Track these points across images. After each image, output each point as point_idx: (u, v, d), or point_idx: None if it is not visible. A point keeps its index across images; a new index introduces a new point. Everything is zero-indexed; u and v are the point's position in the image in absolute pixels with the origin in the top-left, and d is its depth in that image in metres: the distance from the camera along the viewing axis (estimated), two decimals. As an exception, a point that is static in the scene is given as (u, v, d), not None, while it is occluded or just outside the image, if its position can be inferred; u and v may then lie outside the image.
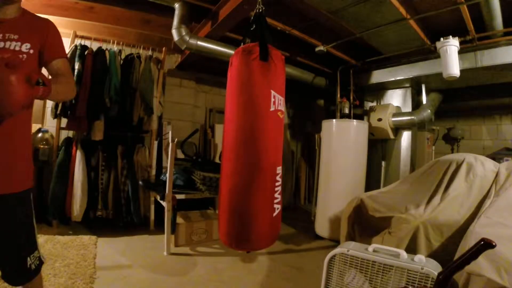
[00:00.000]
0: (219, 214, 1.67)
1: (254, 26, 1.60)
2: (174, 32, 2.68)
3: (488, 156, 2.60)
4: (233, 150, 1.54)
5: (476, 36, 2.62)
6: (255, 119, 1.50)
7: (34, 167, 3.07)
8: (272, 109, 1.51)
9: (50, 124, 3.00)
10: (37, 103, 2.99)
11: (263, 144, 1.51)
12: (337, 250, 1.42)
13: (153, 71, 3.23)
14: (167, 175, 2.58)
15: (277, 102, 1.53)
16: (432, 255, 1.66)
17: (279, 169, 1.60)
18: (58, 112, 2.80)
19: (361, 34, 2.77)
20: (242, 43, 1.61)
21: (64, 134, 3.03)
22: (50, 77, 1.14)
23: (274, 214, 1.58)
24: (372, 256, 1.33)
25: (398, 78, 3.48)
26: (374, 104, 3.95)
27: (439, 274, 0.86)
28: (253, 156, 1.50)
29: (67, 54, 1.20)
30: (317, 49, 3.21)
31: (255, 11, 1.64)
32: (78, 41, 3.01)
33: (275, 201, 1.58)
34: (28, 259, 1.08)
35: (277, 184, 1.58)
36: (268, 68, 1.50)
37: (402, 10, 2.34)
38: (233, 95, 1.54)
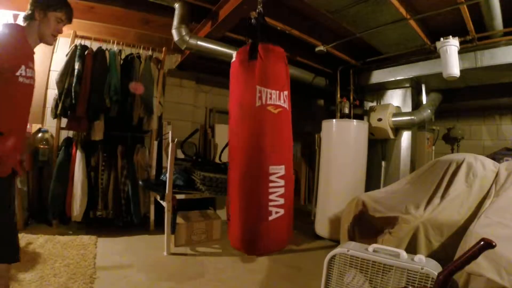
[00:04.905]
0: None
1: (251, 26, 1.61)
2: (174, 32, 2.68)
3: (488, 156, 2.59)
4: (229, 150, 1.55)
5: (476, 36, 2.62)
6: (240, 116, 1.49)
7: (34, 167, 3.05)
8: (258, 104, 1.45)
9: (50, 124, 3.00)
10: (37, 103, 2.99)
11: (248, 141, 1.46)
12: (337, 250, 1.42)
13: (153, 71, 3.23)
14: (167, 175, 2.58)
15: (266, 97, 1.47)
16: (432, 255, 1.66)
17: (275, 169, 1.46)
18: (58, 112, 2.80)
19: (361, 34, 2.77)
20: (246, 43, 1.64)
21: (64, 134, 3.03)
22: None
23: (271, 218, 1.44)
24: (372, 256, 1.33)
25: (398, 78, 3.48)
26: (374, 104, 3.95)
27: (439, 274, 0.86)
28: (238, 154, 1.47)
29: None
30: (317, 49, 3.21)
31: (257, 11, 1.64)
32: (78, 41, 3.01)
33: (271, 203, 1.43)
34: None
35: (272, 185, 1.43)
36: (253, 65, 1.47)
37: (402, 10, 2.34)
38: (230, 95, 1.58)
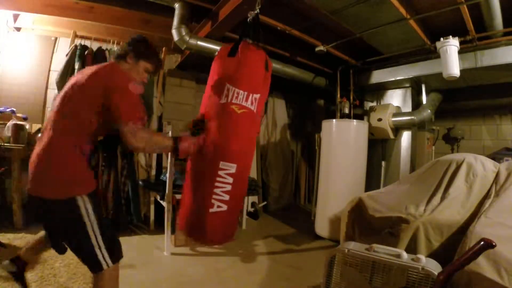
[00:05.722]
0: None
1: (245, 24, 1.62)
2: (174, 32, 2.68)
3: (488, 156, 2.60)
4: None
5: (476, 36, 2.62)
6: (205, 107, 1.58)
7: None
8: (223, 101, 1.48)
9: (50, 124, 3.00)
10: (37, 103, 2.99)
11: (207, 134, 1.52)
12: (337, 250, 1.42)
13: (153, 71, 3.23)
14: (167, 175, 2.58)
15: (232, 95, 1.49)
16: (432, 255, 1.66)
17: (226, 165, 1.49)
18: (58, 112, 2.80)
19: (361, 34, 2.77)
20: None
21: (64, 134, 3.02)
22: None
23: (212, 210, 1.48)
24: (372, 256, 1.33)
25: (398, 78, 3.48)
26: (374, 104, 3.95)
27: (439, 274, 0.86)
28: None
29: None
30: (317, 49, 3.21)
31: (255, 11, 1.64)
32: (78, 41, 3.00)
33: (214, 196, 1.47)
34: None
35: (219, 179, 1.47)
36: (230, 61, 1.50)
37: (402, 10, 2.34)
38: (206, 88, 1.63)
